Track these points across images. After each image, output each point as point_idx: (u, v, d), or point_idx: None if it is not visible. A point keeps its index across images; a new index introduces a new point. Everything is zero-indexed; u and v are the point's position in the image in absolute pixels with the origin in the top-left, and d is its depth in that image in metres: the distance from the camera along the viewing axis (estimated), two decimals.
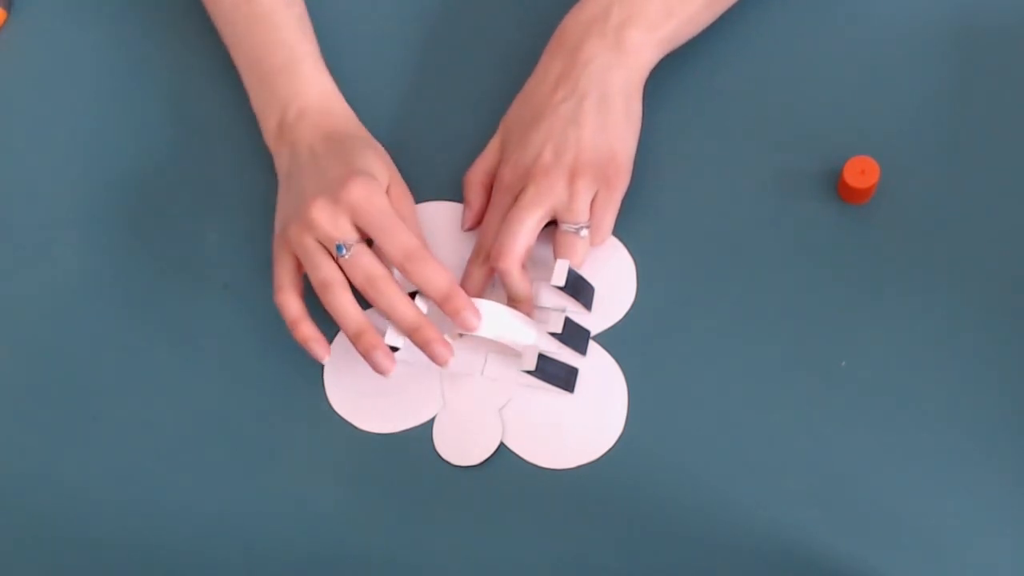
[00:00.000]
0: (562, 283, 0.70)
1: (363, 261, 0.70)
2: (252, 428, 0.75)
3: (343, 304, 0.70)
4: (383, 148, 0.77)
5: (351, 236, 0.70)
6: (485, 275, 0.74)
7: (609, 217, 0.74)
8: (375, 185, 0.71)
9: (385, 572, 0.71)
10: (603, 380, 0.73)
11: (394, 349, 0.73)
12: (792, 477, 0.69)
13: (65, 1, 0.90)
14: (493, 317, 0.71)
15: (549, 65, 0.74)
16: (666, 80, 0.75)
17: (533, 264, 0.74)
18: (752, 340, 0.72)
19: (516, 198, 0.72)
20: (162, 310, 0.79)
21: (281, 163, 0.77)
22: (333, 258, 0.71)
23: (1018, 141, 0.74)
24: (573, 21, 0.75)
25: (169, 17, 0.87)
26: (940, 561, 0.66)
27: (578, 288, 0.72)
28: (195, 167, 0.82)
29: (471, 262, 0.75)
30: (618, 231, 0.75)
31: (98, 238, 0.81)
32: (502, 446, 0.72)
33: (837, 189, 0.74)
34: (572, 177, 0.71)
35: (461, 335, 0.73)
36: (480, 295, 0.73)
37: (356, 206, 0.70)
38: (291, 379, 0.76)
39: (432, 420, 0.73)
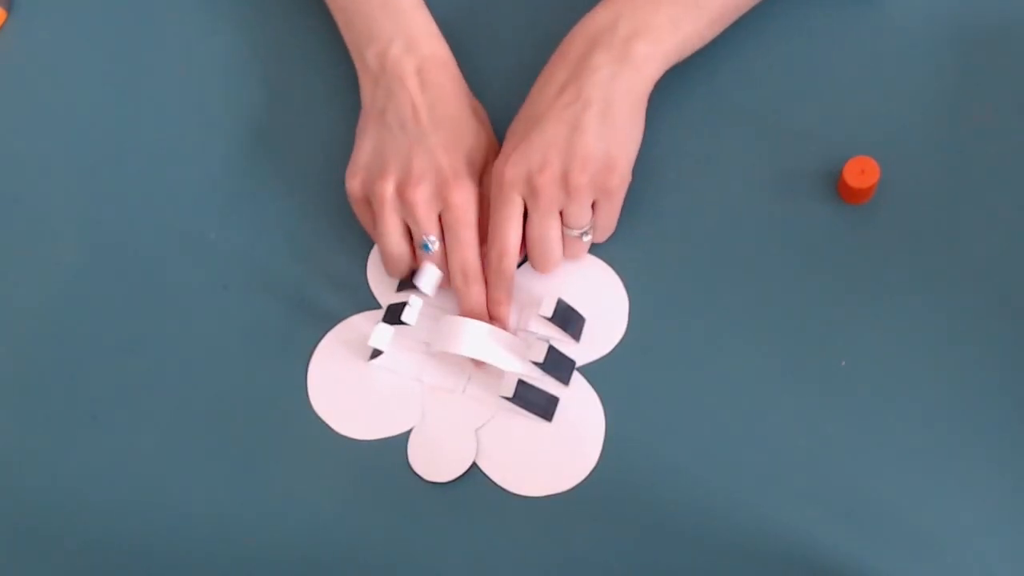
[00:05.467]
0: (549, 314, 0.70)
1: (434, 263, 0.74)
2: (250, 429, 0.75)
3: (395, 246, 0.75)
4: (484, 113, 0.78)
5: (436, 233, 0.73)
6: (510, 283, 0.74)
7: (611, 221, 0.74)
8: (474, 193, 0.73)
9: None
10: (582, 412, 0.72)
11: (377, 353, 0.74)
12: (792, 477, 0.69)
13: (65, 1, 0.90)
14: (479, 339, 0.71)
15: (554, 73, 0.74)
16: (665, 80, 0.74)
17: (518, 290, 0.74)
18: (750, 339, 0.72)
19: (523, 204, 0.72)
20: (162, 310, 0.79)
21: (377, 96, 0.76)
22: (407, 235, 0.74)
23: (1018, 141, 0.74)
24: (580, 33, 0.74)
25: (169, 17, 0.87)
26: (940, 561, 0.66)
27: (567, 319, 0.72)
28: (195, 167, 0.82)
29: (492, 271, 0.73)
30: (616, 231, 0.75)
31: (98, 238, 0.81)
32: (475, 466, 0.72)
33: (837, 189, 0.74)
34: (573, 186, 0.71)
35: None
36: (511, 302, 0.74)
37: (452, 207, 0.72)
38: (283, 381, 0.75)
39: (409, 432, 0.73)
